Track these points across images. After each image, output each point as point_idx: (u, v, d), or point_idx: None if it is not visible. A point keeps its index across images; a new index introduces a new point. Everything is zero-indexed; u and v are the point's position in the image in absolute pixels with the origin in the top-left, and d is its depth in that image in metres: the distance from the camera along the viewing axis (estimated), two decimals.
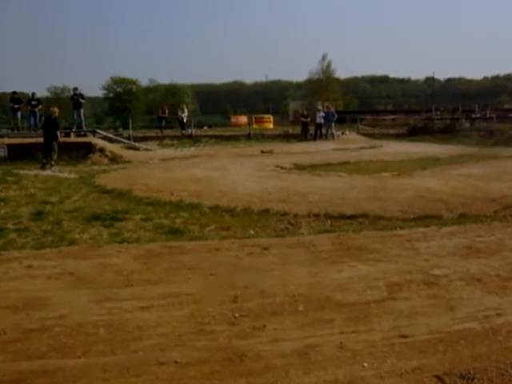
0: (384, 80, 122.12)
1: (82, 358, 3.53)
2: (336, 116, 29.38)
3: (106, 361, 3.49)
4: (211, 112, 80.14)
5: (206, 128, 40.47)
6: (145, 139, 27.55)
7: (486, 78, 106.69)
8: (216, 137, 30.25)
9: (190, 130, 30.79)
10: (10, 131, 22.92)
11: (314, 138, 28.93)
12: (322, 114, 29.16)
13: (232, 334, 3.87)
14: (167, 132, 31.22)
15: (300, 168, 15.47)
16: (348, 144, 24.69)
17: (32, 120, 23.31)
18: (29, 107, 23.31)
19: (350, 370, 3.34)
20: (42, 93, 51.92)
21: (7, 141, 19.18)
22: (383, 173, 13.70)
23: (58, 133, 16.90)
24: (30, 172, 14.75)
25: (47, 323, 4.07)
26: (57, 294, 4.76)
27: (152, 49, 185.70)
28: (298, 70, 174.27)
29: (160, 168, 15.70)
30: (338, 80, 68.89)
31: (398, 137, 31.23)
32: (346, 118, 40.98)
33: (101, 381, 3.26)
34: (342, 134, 30.90)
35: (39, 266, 5.59)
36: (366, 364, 3.40)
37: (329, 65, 64.34)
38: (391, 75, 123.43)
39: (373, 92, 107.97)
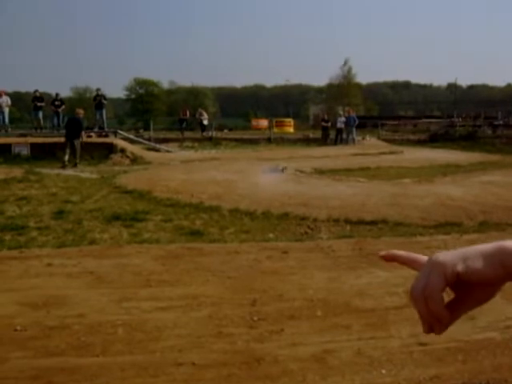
0: (405, 85, 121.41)
1: (100, 357, 3.56)
2: (357, 121, 29.27)
3: (123, 360, 3.51)
4: (232, 115, 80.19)
5: (226, 131, 40.53)
6: (165, 141, 27.67)
7: (509, 85, 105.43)
8: (236, 140, 30.28)
9: (210, 133, 30.89)
10: (32, 130, 23.17)
11: (335, 142, 28.85)
12: (342, 118, 29.05)
13: (250, 338, 3.87)
14: (188, 134, 31.34)
15: (320, 172, 15.41)
16: (368, 149, 24.56)
17: (55, 120, 23.55)
18: (52, 107, 23.54)
19: (367, 377, 3.32)
20: (65, 93, 52.38)
21: (30, 140, 19.44)
22: (403, 179, 13.61)
23: (83, 133, 17.29)
24: (52, 171, 14.94)
25: (67, 321, 4.11)
26: (76, 292, 4.80)
27: (172, 51, 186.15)
28: (318, 74, 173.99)
29: (180, 170, 15.78)
30: (359, 85, 68.51)
31: (419, 143, 30.98)
32: (366, 124, 40.79)
33: (118, 380, 3.28)
34: (363, 139, 30.78)
35: (60, 265, 5.64)
36: (383, 371, 3.38)
37: (350, 69, 64.10)
38: (413, 81, 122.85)
39: (394, 97, 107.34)
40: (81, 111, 18.12)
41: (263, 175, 14.13)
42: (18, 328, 3.97)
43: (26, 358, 3.55)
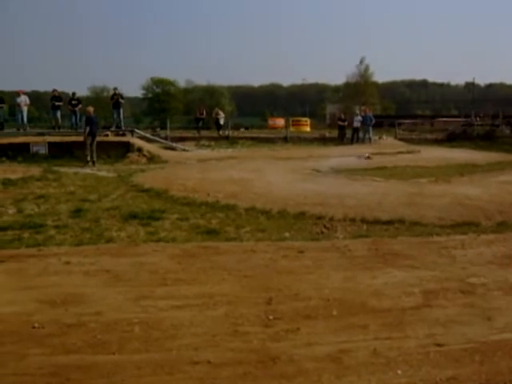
0: (423, 84, 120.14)
1: (116, 355, 3.58)
2: (374, 120, 29.09)
3: (140, 358, 3.53)
4: (248, 114, 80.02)
5: (242, 130, 40.52)
6: (182, 140, 27.75)
7: None
8: (253, 139, 30.27)
9: (226, 132, 30.94)
10: (51, 130, 23.32)
11: (351, 141, 28.70)
12: (359, 117, 28.90)
13: (266, 336, 3.88)
14: (204, 133, 31.48)
15: (336, 172, 15.37)
16: (385, 149, 24.41)
17: (73, 119, 23.70)
18: (69, 107, 23.68)
19: (383, 377, 3.31)
20: (82, 92, 52.85)
21: (48, 139, 19.61)
22: (420, 178, 13.53)
23: (97, 131, 17.57)
24: (69, 170, 15.07)
25: (84, 319, 4.14)
26: (94, 290, 4.83)
27: (189, 50, 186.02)
28: (335, 73, 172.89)
29: (197, 168, 15.82)
30: (376, 84, 68.06)
31: (437, 142, 30.71)
32: (383, 123, 40.50)
33: (134, 378, 3.30)
34: (380, 138, 30.60)
35: (77, 263, 5.68)
36: (399, 371, 3.37)
37: (367, 68, 63.74)
38: (430, 80, 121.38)
39: (411, 96, 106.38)
40: (91, 109, 18.21)
41: (280, 174, 14.11)
42: (36, 325, 4.01)
43: (43, 354, 3.58)
